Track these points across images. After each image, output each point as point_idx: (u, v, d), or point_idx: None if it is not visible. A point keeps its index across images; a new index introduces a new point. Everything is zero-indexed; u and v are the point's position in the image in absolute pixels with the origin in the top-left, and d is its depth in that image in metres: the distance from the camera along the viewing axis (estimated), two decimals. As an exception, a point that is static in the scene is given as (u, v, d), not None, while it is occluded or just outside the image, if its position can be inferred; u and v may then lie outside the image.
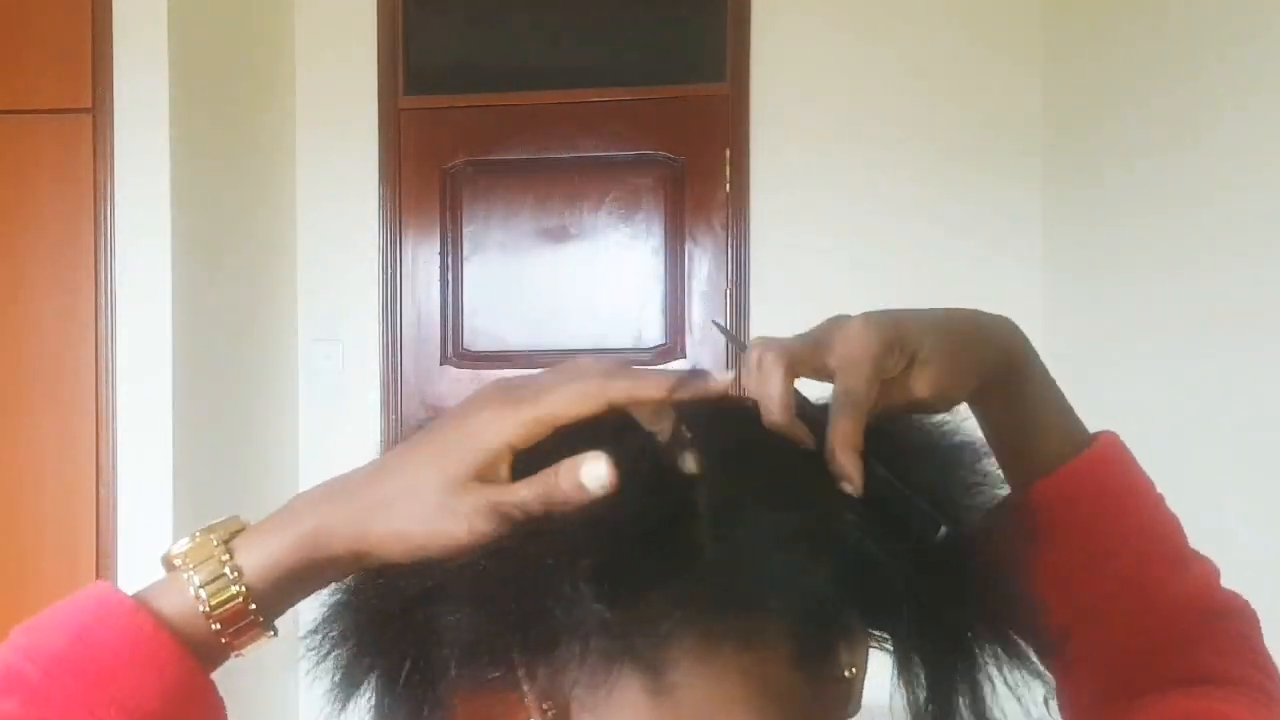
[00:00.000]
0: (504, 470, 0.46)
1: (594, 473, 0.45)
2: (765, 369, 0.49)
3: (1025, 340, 0.59)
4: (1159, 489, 0.62)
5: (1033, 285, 2.77)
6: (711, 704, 0.46)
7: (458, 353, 3.02)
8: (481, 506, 0.46)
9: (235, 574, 0.46)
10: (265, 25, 2.89)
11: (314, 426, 2.98)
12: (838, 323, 0.52)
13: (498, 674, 0.48)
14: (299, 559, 0.47)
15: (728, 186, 2.91)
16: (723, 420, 0.50)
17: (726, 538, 0.45)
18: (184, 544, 0.47)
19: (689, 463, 0.47)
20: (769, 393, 0.49)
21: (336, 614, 0.50)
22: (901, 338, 0.51)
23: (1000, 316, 0.59)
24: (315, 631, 0.50)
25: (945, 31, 2.85)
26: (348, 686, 0.50)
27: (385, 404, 3.00)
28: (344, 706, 0.50)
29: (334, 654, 0.49)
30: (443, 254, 3.02)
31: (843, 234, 2.87)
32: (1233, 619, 0.60)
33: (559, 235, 2.99)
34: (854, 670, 0.48)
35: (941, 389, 0.52)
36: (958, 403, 0.55)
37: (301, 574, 0.47)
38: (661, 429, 0.47)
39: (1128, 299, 2.32)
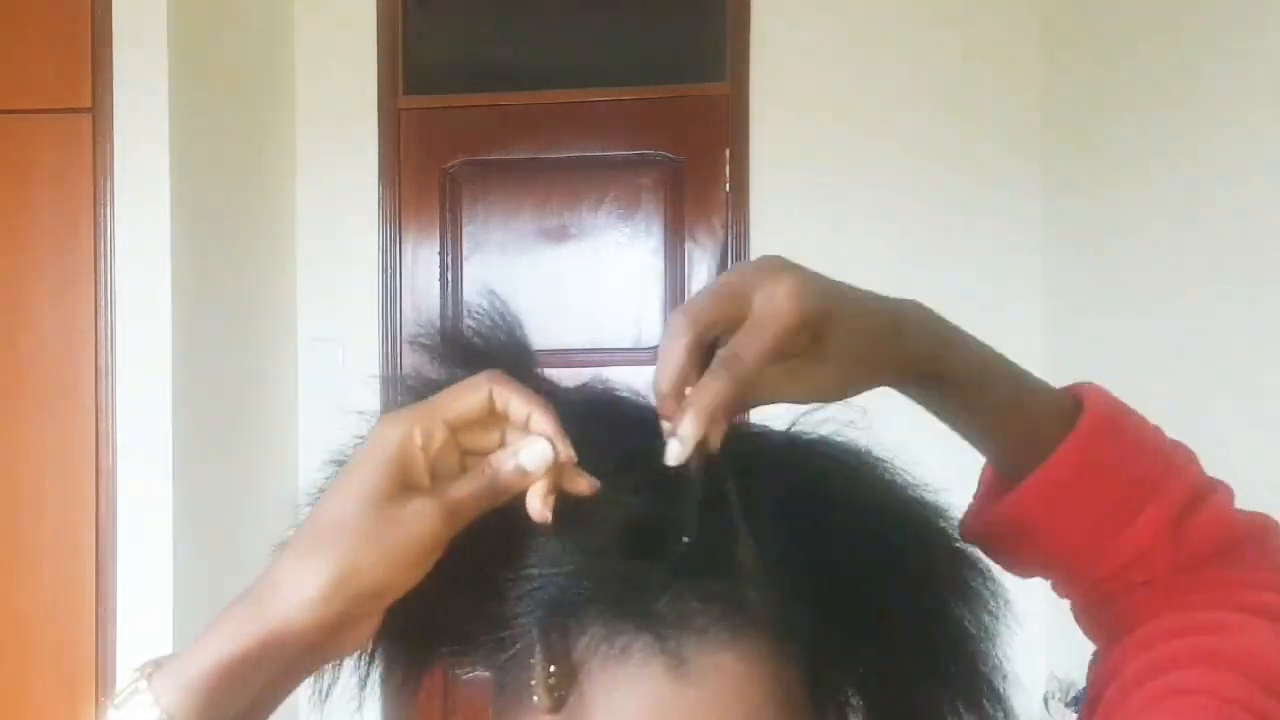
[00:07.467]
0: (423, 476, 0.44)
1: (534, 453, 0.43)
2: (671, 333, 0.45)
3: (942, 330, 0.51)
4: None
5: (1033, 284, 2.77)
6: (736, 698, 0.44)
7: (458, 353, 3.01)
8: (427, 509, 0.43)
9: (151, 697, 0.41)
10: (265, 25, 2.89)
11: (314, 426, 2.98)
12: (769, 270, 0.45)
13: (504, 634, 0.46)
14: (227, 665, 0.41)
15: (728, 186, 2.91)
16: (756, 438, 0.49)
17: (763, 543, 0.44)
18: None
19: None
20: (662, 365, 0.44)
21: None
22: (821, 322, 0.45)
23: (915, 307, 0.50)
24: None
25: (946, 30, 2.85)
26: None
27: (385, 404, 2.99)
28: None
29: None
30: (442, 254, 3.02)
31: (843, 233, 2.86)
32: (1252, 545, 0.56)
33: (559, 235, 2.99)
34: None
35: (823, 394, 0.47)
36: (833, 401, 0.49)
37: (239, 677, 0.42)
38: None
39: (1128, 305, 2.31)
